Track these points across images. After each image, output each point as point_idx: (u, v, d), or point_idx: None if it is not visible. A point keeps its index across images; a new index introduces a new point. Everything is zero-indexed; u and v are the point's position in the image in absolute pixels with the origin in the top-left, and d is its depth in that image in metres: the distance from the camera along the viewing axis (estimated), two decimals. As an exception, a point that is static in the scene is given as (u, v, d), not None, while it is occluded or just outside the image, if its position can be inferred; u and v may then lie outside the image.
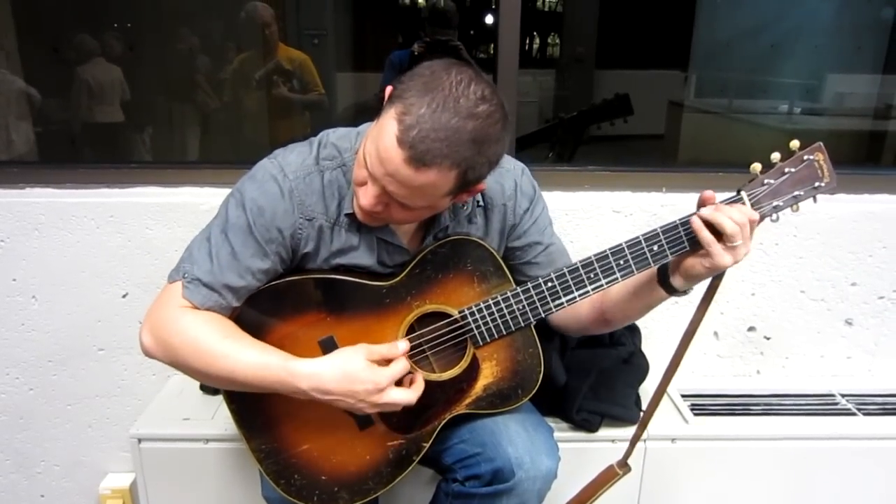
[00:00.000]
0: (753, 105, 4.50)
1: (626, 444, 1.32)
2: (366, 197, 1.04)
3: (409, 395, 1.10)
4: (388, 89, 1.00)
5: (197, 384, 1.63)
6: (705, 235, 1.06)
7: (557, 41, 7.06)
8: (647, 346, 1.64)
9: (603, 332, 1.37)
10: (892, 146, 3.17)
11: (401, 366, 1.10)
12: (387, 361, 1.09)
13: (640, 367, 1.59)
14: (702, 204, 1.09)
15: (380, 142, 0.97)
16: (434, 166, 0.95)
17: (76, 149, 3.29)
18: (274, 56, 2.95)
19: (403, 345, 1.12)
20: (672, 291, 1.16)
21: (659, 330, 1.76)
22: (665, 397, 1.65)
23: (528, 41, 7.50)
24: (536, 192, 1.28)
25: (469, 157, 0.97)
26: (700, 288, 1.19)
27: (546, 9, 7.83)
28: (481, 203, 1.22)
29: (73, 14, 3.28)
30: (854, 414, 1.63)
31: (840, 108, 3.99)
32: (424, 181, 0.97)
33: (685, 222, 1.11)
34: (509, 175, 1.24)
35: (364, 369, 1.06)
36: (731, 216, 1.05)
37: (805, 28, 4.26)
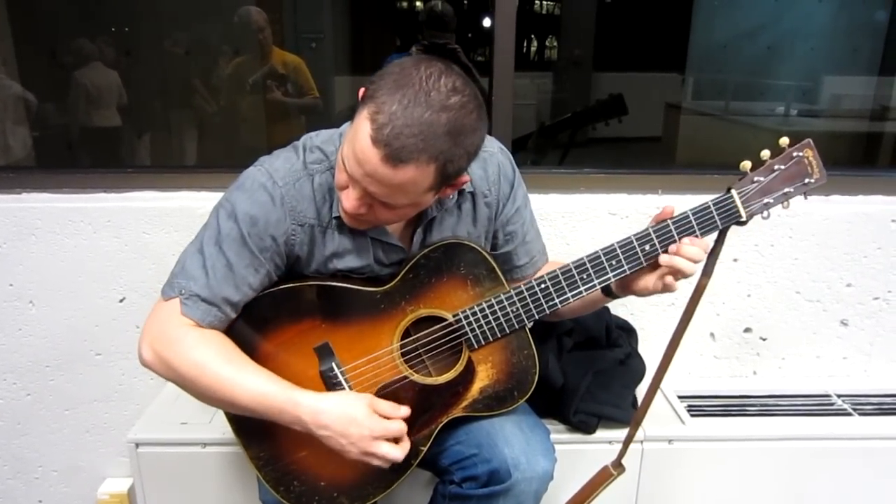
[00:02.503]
0: (751, 107, 4.51)
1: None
2: (348, 200, 1.04)
3: (396, 453, 1.09)
4: (361, 90, 0.99)
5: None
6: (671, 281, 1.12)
7: (555, 44, 7.08)
8: (643, 348, 1.65)
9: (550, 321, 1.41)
10: (889, 147, 3.18)
11: (398, 426, 1.10)
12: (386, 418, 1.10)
13: (636, 369, 1.60)
14: (662, 219, 1.13)
15: (355, 143, 0.97)
16: (411, 162, 0.95)
17: (73, 153, 3.29)
18: (268, 60, 2.96)
19: (406, 409, 1.12)
20: (611, 296, 1.22)
21: (655, 331, 1.77)
22: (662, 399, 1.67)
23: (525, 44, 7.52)
24: (516, 175, 1.28)
25: (446, 150, 0.96)
26: (688, 289, 1.20)
27: (543, 11, 7.84)
28: (470, 189, 1.21)
29: (69, 19, 3.29)
30: (850, 414, 1.64)
31: (836, 110, 4.00)
32: (404, 178, 0.96)
33: (677, 222, 1.12)
34: (493, 159, 1.24)
35: (365, 415, 1.07)
36: (691, 256, 1.10)
37: (801, 30, 4.28)
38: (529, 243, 1.31)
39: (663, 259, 1.11)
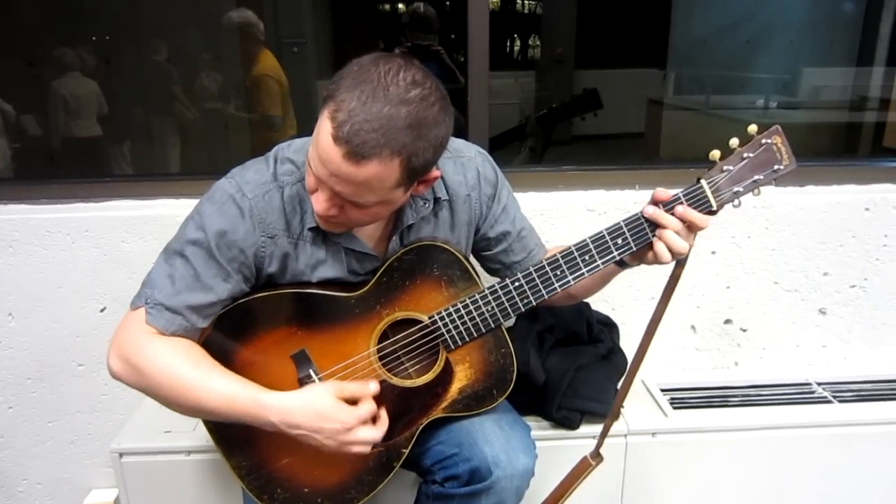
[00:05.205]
0: (732, 101, 4.54)
1: (606, 440, 1.33)
2: (318, 202, 1.03)
3: (375, 433, 1.09)
4: (324, 92, 0.99)
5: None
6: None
7: (538, 43, 7.10)
8: (624, 343, 1.66)
9: (567, 305, 1.41)
10: (868, 137, 3.21)
11: (368, 407, 1.09)
12: (355, 401, 1.09)
13: (618, 363, 1.61)
14: (654, 202, 1.12)
15: (318, 144, 0.97)
16: (374, 158, 0.94)
17: (54, 164, 3.27)
18: (254, 64, 2.95)
19: (374, 386, 1.11)
20: (624, 266, 1.21)
21: (637, 326, 1.77)
22: (645, 392, 1.69)
23: (508, 43, 7.54)
24: (499, 176, 1.28)
25: (409, 144, 0.96)
26: (663, 279, 1.20)
27: (525, 11, 7.87)
28: (446, 197, 1.21)
29: (47, 28, 3.27)
30: (830, 401, 1.65)
31: (816, 102, 4.04)
32: (368, 175, 0.96)
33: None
34: (471, 164, 1.24)
35: (333, 407, 1.06)
36: (670, 225, 1.09)
37: (779, 23, 4.32)
38: (525, 238, 1.30)
39: (647, 211, 1.11)
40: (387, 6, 6.46)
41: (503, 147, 2.18)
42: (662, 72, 5.15)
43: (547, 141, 2.17)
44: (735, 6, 4.60)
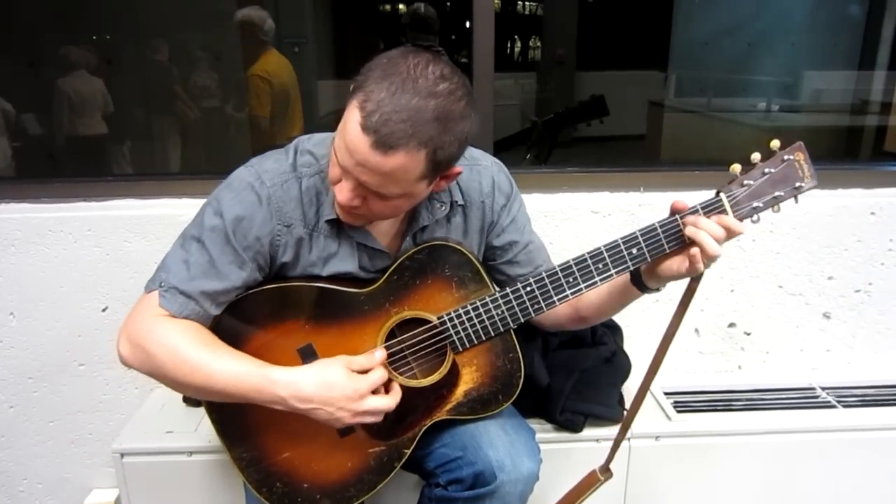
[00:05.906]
0: (733, 103, 4.55)
1: (610, 444, 1.32)
2: (342, 192, 1.04)
3: (387, 402, 1.10)
4: (353, 84, 0.99)
5: (180, 396, 1.62)
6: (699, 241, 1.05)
7: (538, 44, 7.11)
8: (628, 345, 1.65)
9: (578, 329, 1.37)
10: (870, 141, 3.21)
11: (379, 374, 1.10)
12: (365, 372, 1.10)
13: (622, 366, 1.60)
14: (674, 212, 1.10)
15: (346, 133, 0.97)
16: (401, 148, 0.95)
17: (55, 163, 3.27)
18: (255, 61, 2.94)
19: (380, 354, 1.12)
20: (645, 290, 1.17)
21: (640, 329, 1.77)
22: (648, 395, 1.67)
23: (509, 45, 7.55)
24: (514, 188, 1.28)
25: (435, 136, 0.96)
26: (678, 290, 1.18)
27: (526, 12, 7.88)
28: (462, 201, 1.22)
29: (49, 28, 3.26)
30: (834, 406, 1.65)
31: (817, 105, 4.04)
32: (394, 165, 0.96)
33: (664, 225, 1.10)
34: (487, 172, 1.25)
35: (343, 376, 1.06)
36: (711, 231, 1.05)
37: (781, 26, 4.33)
38: (532, 252, 1.29)
39: (688, 231, 1.07)
40: (387, 6, 6.48)
41: (507, 150, 2.18)
42: (664, 74, 5.16)
43: (553, 144, 2.17)
44: (736, 8, 4.60)
